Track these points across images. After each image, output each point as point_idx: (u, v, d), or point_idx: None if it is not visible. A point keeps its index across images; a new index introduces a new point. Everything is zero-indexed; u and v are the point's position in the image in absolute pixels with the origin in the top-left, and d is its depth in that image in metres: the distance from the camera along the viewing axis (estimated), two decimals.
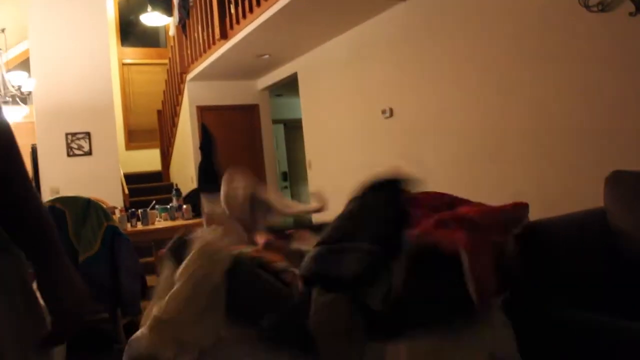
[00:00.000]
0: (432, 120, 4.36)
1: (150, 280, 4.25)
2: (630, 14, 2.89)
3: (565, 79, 3.29)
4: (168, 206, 4.97)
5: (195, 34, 6.50)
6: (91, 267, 3.32)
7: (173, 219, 4.84)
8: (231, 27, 5.38)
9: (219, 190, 6.55)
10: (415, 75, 4.51)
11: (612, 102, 3.03)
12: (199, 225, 4.80)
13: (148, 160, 8.73)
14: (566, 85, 3.29)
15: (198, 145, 6.87)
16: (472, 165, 4.00)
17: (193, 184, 6.74)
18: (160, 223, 4.75)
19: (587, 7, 3.10)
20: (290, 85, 7.06)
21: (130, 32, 9.52)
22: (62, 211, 3.41)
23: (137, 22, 9.36)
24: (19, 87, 6.40)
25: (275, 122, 8.39)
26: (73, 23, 6.58)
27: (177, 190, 5.03)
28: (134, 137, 9.02)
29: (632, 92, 2.92)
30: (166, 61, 8.56)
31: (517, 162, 3.64)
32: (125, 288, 3.44)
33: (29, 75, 6.45)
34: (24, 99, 6.71)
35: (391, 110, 4.79)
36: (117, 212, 4.59)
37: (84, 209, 3.44)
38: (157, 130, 8.56)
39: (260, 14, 4.73)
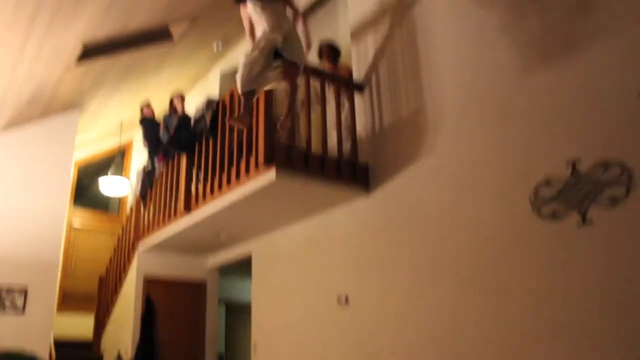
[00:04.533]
0: (388, 311, 4.43)
1: None
2: (578, 224, 3.23)
3: (516, 281, 3.51)
4: None
5: (157, 205, 6.63)
6: None
7: None
8: (196, 202, 5.55)
9: None
10: (373, 267, 4.66)
11: (558, 305, 3.24)
12: None
13: (79, 326, 8.29)
14: (517, 286, 3.50)
15: (139, 316, 6.67)
16: (424, 357, 4.03)
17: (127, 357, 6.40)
18: None
19: (540, 214, 3.45)
20: (239, 266, 7.10)
21: (82, 193, 9.58)
22: None
23: (90, 185, 9.49)
24: None
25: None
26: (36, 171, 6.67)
27: (119, 356, 4.75)
28: (68, 301, 8.62)
29: (576, 296, 3.15)
30: (115, 227, 8.58)
31: (469, 356, 3.71)
32: None
33: None
34: None
35: (347, 299, 4.86)
36: None
37: None
38: (95, 297, 8.28)
39: (227, 193, 4.95)
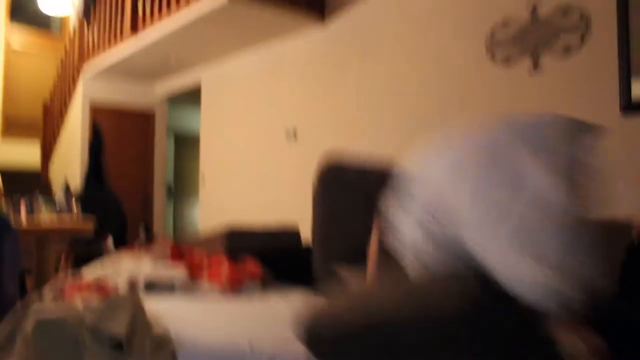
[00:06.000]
0: (335, 146, 4.47)
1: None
2: (530, 70, 3.20)
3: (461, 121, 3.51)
4: (55, 202, 4.61)
5: (101, 24, 6.25)
6: None
7: (60, 216, 4.35)
8: (143, 21, 5.28)
9: (101, 192, 6.23)
10: (323, 101, 4.62)
11: None
12: (89, 227, 4.52)
13: (26, 155, 8.15)
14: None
15: (87, 145, 6.57)
16: None
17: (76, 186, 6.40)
18: (46, 221, 4.19)
19: (494, 58, 3.39)
20: (188, 95, 6.93)
21: (21, 8, 8.85)
22: None
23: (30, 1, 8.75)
24: None
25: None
26: None
27: (67, 186, 4.64)
28: (12, 128, 8.36)
29: None
30: (58, 49, 8.15)
31: None
32: (5, 290, 3.18)
33: None
34: None
35: (295, 133, 4.87)
36: None
37: None
38: (41, 124, 8.06)
39: (175, 14, 4.71)
